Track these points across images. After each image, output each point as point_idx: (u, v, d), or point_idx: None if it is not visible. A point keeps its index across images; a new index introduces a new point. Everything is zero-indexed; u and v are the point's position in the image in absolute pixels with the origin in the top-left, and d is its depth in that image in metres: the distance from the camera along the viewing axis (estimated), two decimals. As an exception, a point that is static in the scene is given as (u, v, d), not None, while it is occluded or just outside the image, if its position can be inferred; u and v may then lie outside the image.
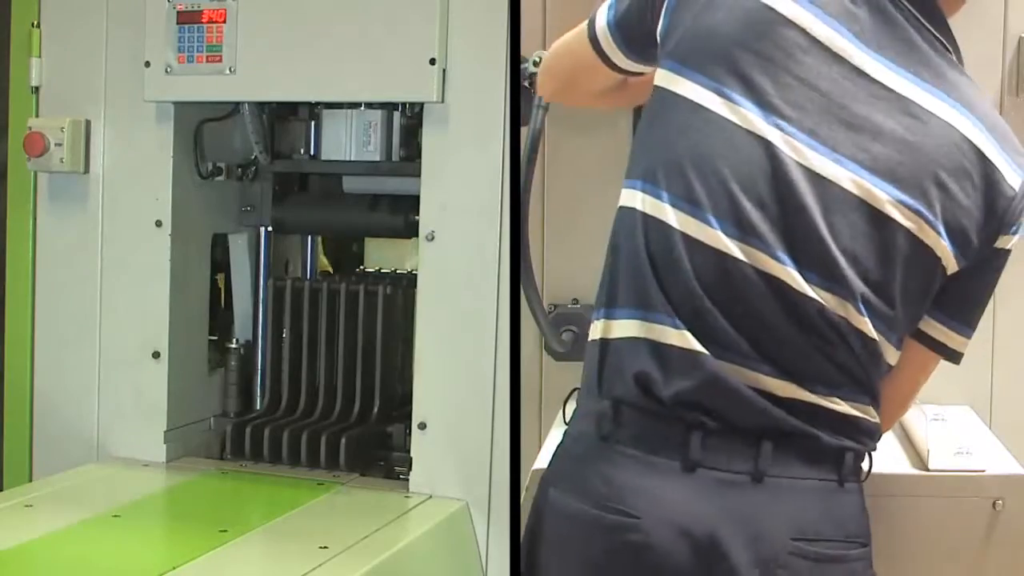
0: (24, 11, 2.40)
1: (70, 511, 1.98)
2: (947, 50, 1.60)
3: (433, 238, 2.15)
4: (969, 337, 1.63)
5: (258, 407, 2.50)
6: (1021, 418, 2.15)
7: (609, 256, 1.60)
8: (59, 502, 2.08)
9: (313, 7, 2.16)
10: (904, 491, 1.61)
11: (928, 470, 1.82)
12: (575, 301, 2.23)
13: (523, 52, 2.04)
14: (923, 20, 1.58)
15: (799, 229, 1.48)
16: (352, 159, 2.37)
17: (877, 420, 1.57)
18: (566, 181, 2.21)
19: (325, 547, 1.83)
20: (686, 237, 1.50)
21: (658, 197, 1.53)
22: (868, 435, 1.56)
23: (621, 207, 1.60)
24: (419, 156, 2.18)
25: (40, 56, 2.39)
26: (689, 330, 1.48)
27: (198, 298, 2.43)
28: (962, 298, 1.61)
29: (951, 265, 1.56)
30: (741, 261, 1.48)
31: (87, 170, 2.36)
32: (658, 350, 1.49)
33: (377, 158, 2.35)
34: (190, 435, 2.41)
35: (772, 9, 1.54)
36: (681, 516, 1.44)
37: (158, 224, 2.31)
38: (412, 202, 2.22)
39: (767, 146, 1.50)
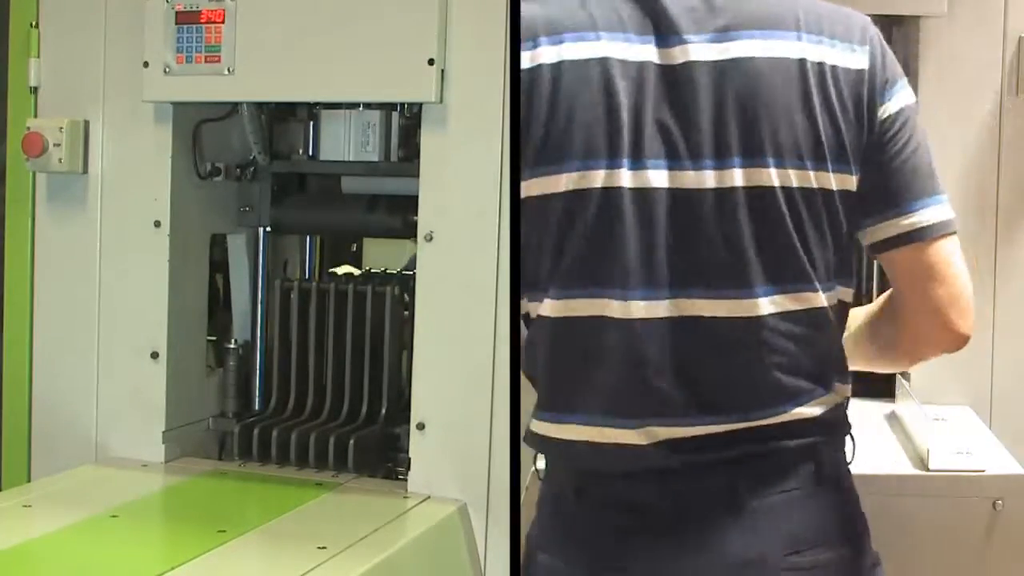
0: (23, 11, 2.40)
1: (68, 511, 1.98)
2: None
3: (432, 239, 2.15)
4: None
5: (256, 407, 2.50)
6: (1021, 418, 2.15)
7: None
8: (57, 502, 2.07)
9: (312, 7, 2.16)
10: (904, 491, 1.61)
11: (928, 470, 1.82)
12: (574, 301, 2.22)
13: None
14: None
15: None
16: (351, 159, 2.37)
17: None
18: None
19: (323, 547, 1.83)
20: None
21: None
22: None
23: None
24: (418, 156, 2.18)
25: (39, 56, 2.39)
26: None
27: (196, 298, 2.43)
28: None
29: None
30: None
31: (86, 170, 2.36)
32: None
33: (376, 158, 2.35)
34: (188, 435, 2.40)
35: (591, 67, 1.41)
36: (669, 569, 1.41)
37: (157, 224, 2.31)
38: (411, 202, 2.21)
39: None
